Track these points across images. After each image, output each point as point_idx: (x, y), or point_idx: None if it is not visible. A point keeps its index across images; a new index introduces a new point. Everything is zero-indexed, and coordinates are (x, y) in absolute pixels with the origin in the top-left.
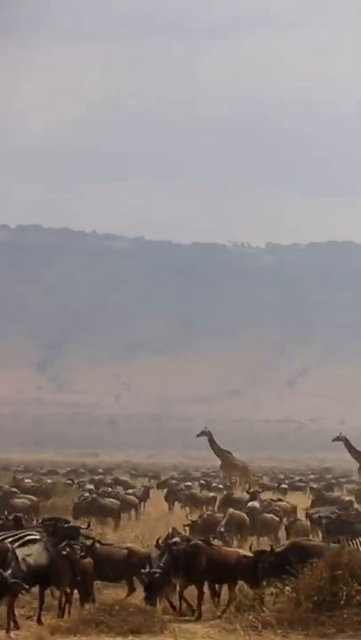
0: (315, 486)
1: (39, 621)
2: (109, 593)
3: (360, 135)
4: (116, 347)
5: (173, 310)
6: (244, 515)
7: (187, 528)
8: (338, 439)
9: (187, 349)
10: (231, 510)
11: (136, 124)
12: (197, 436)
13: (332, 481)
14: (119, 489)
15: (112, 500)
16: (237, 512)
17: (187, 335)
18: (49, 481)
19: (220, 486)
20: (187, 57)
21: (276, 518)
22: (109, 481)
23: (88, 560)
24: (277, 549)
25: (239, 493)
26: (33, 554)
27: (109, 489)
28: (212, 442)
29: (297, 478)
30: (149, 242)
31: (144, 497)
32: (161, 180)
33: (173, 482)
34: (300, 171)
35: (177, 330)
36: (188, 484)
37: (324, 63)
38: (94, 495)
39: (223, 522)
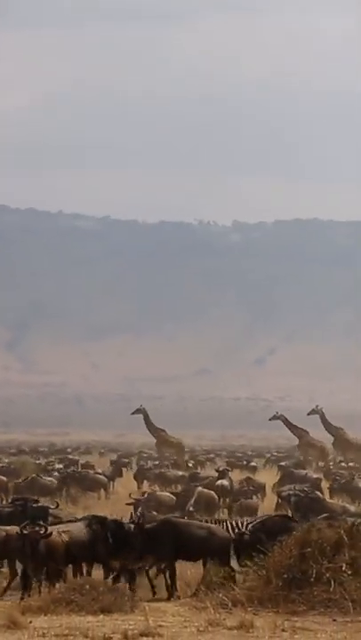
0: (282, 464)
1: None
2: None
3: (324, 116)
4: (83, 327)
5: (141, 290)
6: (213, 493)
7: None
8: (313, 412)
9: (154, 329)
10: (200, 489)
11: (98, 108)
12: (132, 413)
13: (301, 458)
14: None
15: (51, 479)
16: (206, 490)
17: (154, 314)
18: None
19: (190, 464)
20: (145, 42)
21: (215, 497)
22: (81, 460)
23: (58, 538)
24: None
25: (207, 471)
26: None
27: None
28: (147, 420)
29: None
30: (116, 221)
31: (113, 476)
32: (126, 161)
33: (142, 461)
34: (263, 151)
35: (144, 309)
36: (157, 462)
37: (293, 47)
38: (34, 475)
39: (192, 501)
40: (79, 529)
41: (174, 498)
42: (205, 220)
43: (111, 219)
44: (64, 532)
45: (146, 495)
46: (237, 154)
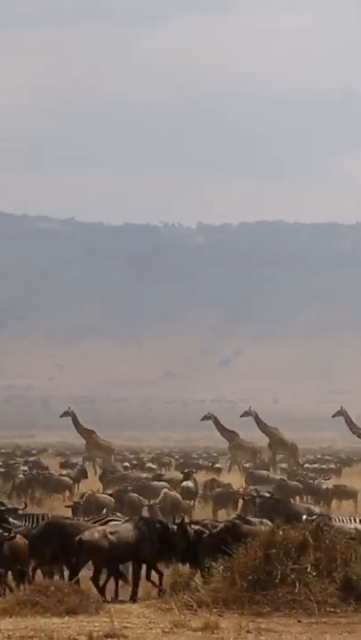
0: (246, 465)
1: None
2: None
3: (288, 118)
4: (49, 329)
5: (106, 292)
6: (179, 495)
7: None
8: (247, 414)
9: (120, 331)
10: (166, 490)
11: (61, 110)
12: (61, 416)
13: (266, 460)
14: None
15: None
16: (172, 492)
17: (120, 317)
18: None
19: (154, 466)
20: (114, 43)
21: (142, 499)
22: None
23: (22, 541)
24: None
25: (172, 473)
26: None
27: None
28: (75, 422)
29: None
30: (81, 223)
31: (78, 478)
32: (90, 163)
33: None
34: (229, 153)
35: (110, 312)
36: (127, 464)
37: (257, 47)
38: None
39: (157, 500)
40: (126, 530)
41: (112, 499)
42: (170, 222)
43: (76, 221)
44: (111, 532)
45: (85, 497)
46: (203, 156)
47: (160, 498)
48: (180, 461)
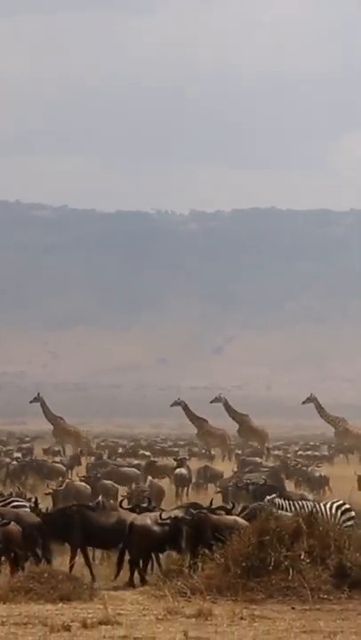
0: (239, 452)
1: None
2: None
3: (280, 106)
4: (42, 316)
5: (99, 279)
6: (161, 485)
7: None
8: (217, 400)
9: (113, 318)
10: (150, 479)
11: (55, 96)
12: (30, 402)
13: (258, 447)
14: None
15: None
16: (156, 481)
17: (113, 304)
18: None
19: (147, 453)
20: (102, 30)
21: (116, 486)
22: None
23: (15, 527)
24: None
25: (164, 460)
26: None
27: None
28: (44, 408)
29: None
30: (74, 210)
31: (72, 465)
32: (83, 150)
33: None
34: (221, 140)
35: (103, 298)
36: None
37: (246, 36)
38: None
39: (145, 485)
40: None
41: (89, 487)
42: (163, 210)
43: (69, 208)
44: (163, 519)
45: (64, 485)
46: (195, 143)
47: (147, 485)
48: (175, 449)
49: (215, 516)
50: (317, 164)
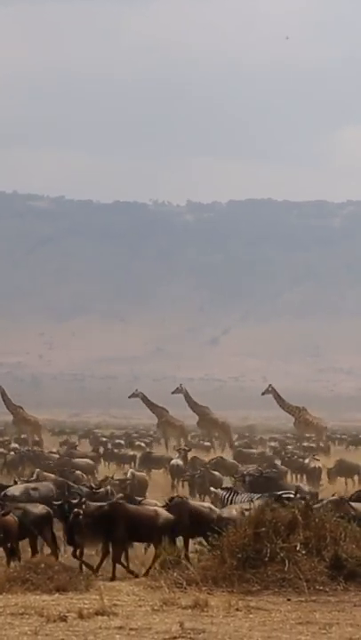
0: (237, 443)
1: None
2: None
3: (277, 96)
4: (39, 307)
5: (96, 270)
6: (145, 475)
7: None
8: (178, 391)
9: (110, 309)
10: (132, 471)
11: (53, 89)
12: None
13: (255, 438)
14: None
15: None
16: (139, 473)
17: (109, 294)
18: None
19: (143, 444)
20: (98, 23)
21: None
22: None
23: (12, 518)
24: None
25: (161, 451)
26: None
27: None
28: (4, 397)
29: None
30: (71, 201)
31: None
32: (80, 141)
33: (104, 440)
34: (217, 131)
35: (100, 289)
36: (119, 441)
37: (244, 28)
38: None
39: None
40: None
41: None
42: (160, 200)
43: (66, 199)
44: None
45: (35, 476)
46: (191, 134)
47: (128, 476)
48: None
49: (133, 507)
50: (314, 155)
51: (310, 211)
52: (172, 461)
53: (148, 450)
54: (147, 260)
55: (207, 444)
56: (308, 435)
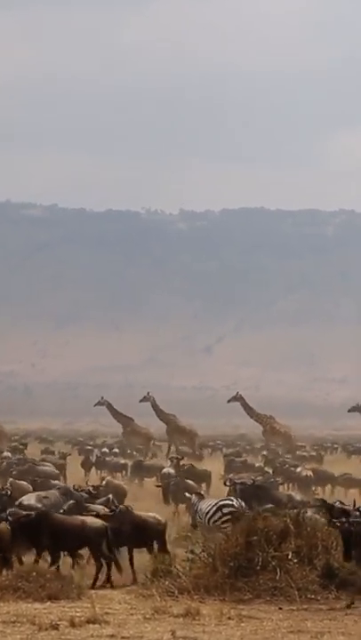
0: (228, 452)
1: None
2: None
3: (268, 105)
4: (32, 315)
5: (89, 278)
6: (123, 484)
7: None
8: (145, 399)
9: (103, 317)
10: (108, 478)
11: (47, 95)
12: None
13: (247, 447)
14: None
15: None
16: (115, 481)
17: (103, 303)
18: None
19: (135, 453)
20: (88, 28)
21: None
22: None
23: (4, 526)
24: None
25: (154, 460)
26: None
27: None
28: None
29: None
30: (64, 209)
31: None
32: (73, 149)
33: (89, 448)
34: (209, 139)
35: (93, 298)
36: (105, 450)
37: (235, 34)
38: None
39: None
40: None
41: (31, 487)
42: (152, 209)
43: (59, 207)
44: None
45: (8, 484)
46: (184, 142)
47: (104, 483)
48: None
49: (60, 516)
50: (306, 164)
51: (303, 219)
52: (164, 470)
53: (139, 458)
54: (140, 269)
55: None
56: (275, 443)
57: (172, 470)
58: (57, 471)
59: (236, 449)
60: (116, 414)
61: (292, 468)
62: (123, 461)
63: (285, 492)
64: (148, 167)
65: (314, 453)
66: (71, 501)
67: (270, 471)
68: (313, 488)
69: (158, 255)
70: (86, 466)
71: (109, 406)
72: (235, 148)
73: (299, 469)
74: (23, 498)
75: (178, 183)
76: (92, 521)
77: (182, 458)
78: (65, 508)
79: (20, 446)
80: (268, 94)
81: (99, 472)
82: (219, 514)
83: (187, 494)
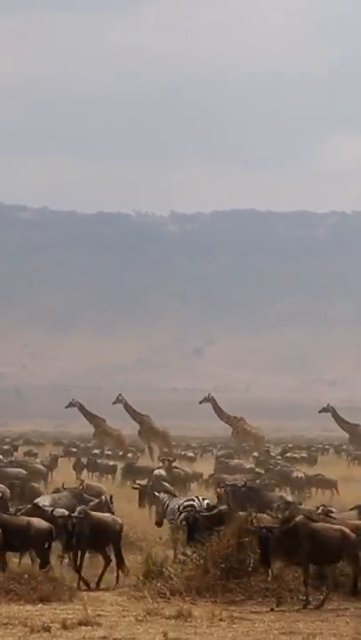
0: (219, 453)
1: None
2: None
3: (260, 107)
4: (23, 317)
5: (80, 280)
6: (102, 487)
7: None
8: (118, 401)
9: (94, 320)
10: (87, 482)
11: (37, 98)
12: None
13: (238, 448)
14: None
15: None
16: (95, 484)
17: (93, 305)
18: None
19: (129, 455)
20: (80, 33)
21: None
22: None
23: None
24: None
25: (145, 461)
26: None
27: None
28: None
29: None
30: (55, 212)
31: (51, 466)
32: (64, 152)
33: (74, 450)
34: (200, 142)
35: (83, 300)
36: (96, 452)
37: (228, 33)
38: None
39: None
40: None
41: (8, 490)
42: (143, 211)
43: (50, 210)
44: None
45: None
46: (176, 145)
47: (81, 487)
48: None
49: (6, 517)
50: (297, 166)
51: (294, 221)
52: (155, 472)
53: (131, 460)
54: (131, 271)
55: (190, 454)
56: (246, 445)
57: (163, 472)
58: (24, 472)
59: (227, 450)
60: (88, 415)
61: (285, 470)
62: (112, 463)
63: (277, 494)
64: (136, 169)
65: (305, 454)
66: (29, 505)
67: (262, 472)
68: (305, 489)
69: (151, 257)
70: (78, 468)
71: (81, 407)
72: (224, 150)
73: (291, 471)
74: (38, 499)
75: (167, 185)
76: (37, 522)
77: (174, 459)
78: (23, 510)
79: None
80: (260, 96)
81: (90, 474)
82: (178, 513)
83: (155, 493)
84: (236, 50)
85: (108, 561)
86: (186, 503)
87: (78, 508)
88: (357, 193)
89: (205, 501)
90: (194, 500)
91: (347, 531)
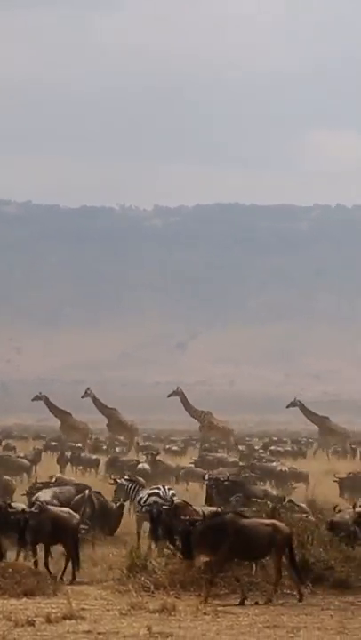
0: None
1: None
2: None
3: (243, 101)
4: (7, 311)
5: (63, 274)
6: (73, 479)
7: None
8: (86, 395)
9: (77, 313)
10: (59, 474)
11: (15, 92)
12: None
13: (222, 442)
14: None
15: None
16: (66, 477)
17: (76, 299)
18: None
19: (117, 450)
20: (64, 27)
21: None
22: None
23: None
24: None
25: (129, 455)
26: None
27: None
28: None
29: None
30: (38, 206)
31: (35, 460)
32: (46, 146)
33: (54, 444)
34: (182, 135)
35: (67, 294)
36: (79, 445)
37: (220, 33)
38: None
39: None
40: None
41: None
42: (127, 205)
43: (33, 204)
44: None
45: None
46: (159, 138)
47: (54, 480)
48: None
49: None
50: (280, 159)
51: (277, 214)
52: (139, 466)
53: (114, 454)
54: (114, 265)
55: (175, 448)
56: (213, 438)
57: (147, 466)
58: None
59: (210, 444)
60: (54, 409)
61: (268, 464)
62: (94, 457)
63: (261, 487)
64: (120, 163)
65: (289, 448)
66: None
67: (243, 465)
68: (289, 483)
69: (133, 251)
70: (62, 462)
71: (47, 400)
72: (208, 145)
73: (274, 464)
74: (39, 493)
75: (151, 179)
76: None
77: (158, 453)
78: None
79: None
80: (240, 93)
81: (73, 468)
82: (142, 503)
83: (117, 479)
84: (216, 50)
85: (69, 555)
86: (150, 491)
87: (36, 503)
88: (342, 187)
89: (171, 491)
90: (159, 489)
91: (280, 526)
